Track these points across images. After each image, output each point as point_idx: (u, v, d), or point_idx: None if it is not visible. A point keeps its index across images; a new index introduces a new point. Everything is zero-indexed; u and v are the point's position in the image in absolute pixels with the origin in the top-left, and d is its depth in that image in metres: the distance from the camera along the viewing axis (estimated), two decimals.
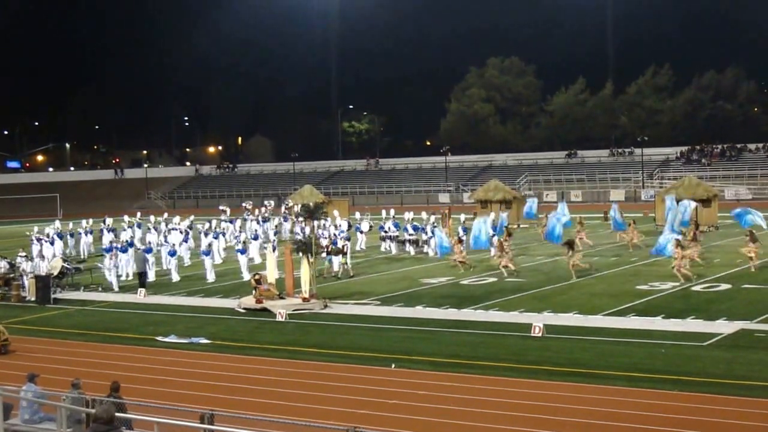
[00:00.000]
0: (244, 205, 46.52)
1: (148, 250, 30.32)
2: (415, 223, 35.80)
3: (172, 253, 30.14)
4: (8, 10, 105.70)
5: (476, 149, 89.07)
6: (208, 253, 29.66)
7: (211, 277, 28.78)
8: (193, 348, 18.74)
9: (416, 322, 20.38)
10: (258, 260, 32.11)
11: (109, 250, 30.26)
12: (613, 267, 28.34)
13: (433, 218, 36.50)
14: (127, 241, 31.57)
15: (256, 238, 33.58)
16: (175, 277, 29.11)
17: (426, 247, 34.17)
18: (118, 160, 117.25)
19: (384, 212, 39.03)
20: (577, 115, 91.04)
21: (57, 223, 40.63)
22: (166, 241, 32.56)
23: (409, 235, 35.00)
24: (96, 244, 39.70)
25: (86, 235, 39.92)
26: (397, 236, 35.37)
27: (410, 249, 34.58)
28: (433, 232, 33.73)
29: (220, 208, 45.64)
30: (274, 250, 25.98)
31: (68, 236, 39.67)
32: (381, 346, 18.02)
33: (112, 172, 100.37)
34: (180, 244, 32.69)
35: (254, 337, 19.59)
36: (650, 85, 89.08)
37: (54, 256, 31.28)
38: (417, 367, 16.18)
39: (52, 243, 37.39)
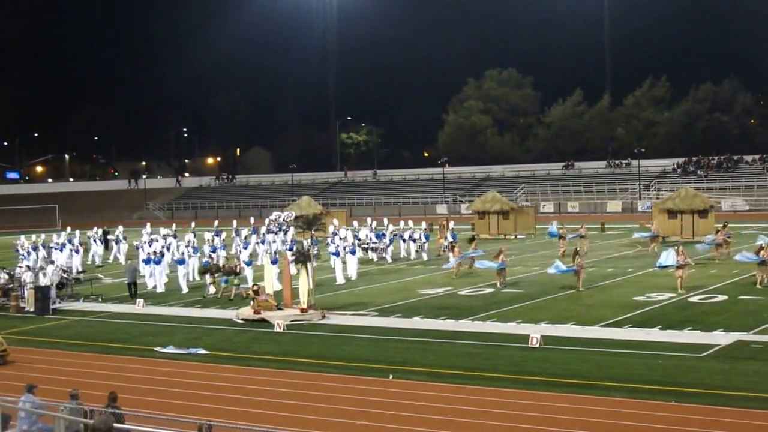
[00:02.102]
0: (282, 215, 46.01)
1: (181, 261, 30.16)
2: (377, 231, 37.04)
3: (206, 262, 29.77)
4: (8, 22, 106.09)
5: (474, 160, 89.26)
6: (249, 263, 29.41)
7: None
8: (191, 359, 18.76)
9: (414, 333, 20.42)
10: (294, 271, 31.95)
11: (147, 261, 30.15)
12: (609, 278, 28.39)
13: (392, 227, 37.74)
14: (160, 252, 31.44)
15: (291, 249, 33.23)
16: (212, 290, 28.57)
17: (384, 254, 35.56)
18: (113, 171, 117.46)
19: (370, 221, 39.64)
20: (575, 126, 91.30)
21: (67, 232, 40.53)
22: (194, 252, 32.38)
23: (372, 242, 35.55)
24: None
25: (80, 246, 39.72)
26: (368, 244, 35.94)
27: (373, 256, 35.64)
28: (391, 240, 35.53)
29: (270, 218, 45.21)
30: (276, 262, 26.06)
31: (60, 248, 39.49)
32: (379, 357, 18.06)
33: (112, 183, 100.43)
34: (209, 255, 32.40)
35: (252, 347, 19.62)
36: (647, 96, 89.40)
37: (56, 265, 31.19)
38: (415, 378, 16.21)
39: (77, 251, 37.50)
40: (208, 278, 28.45)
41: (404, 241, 37.19)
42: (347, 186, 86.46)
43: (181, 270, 29.66)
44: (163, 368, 17.95)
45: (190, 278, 30.82)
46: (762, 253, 25.24)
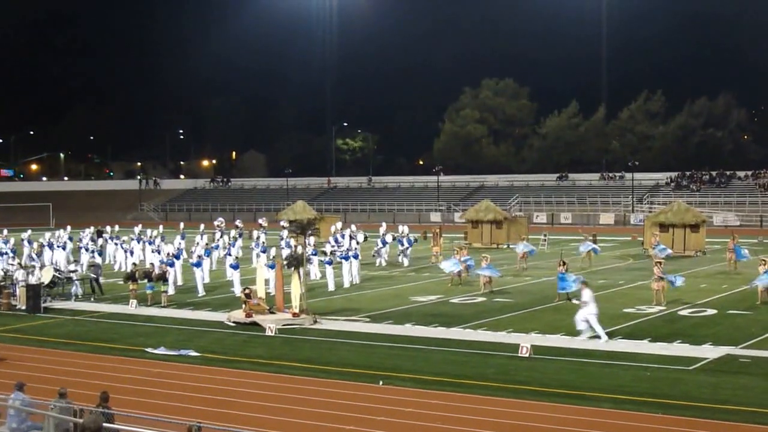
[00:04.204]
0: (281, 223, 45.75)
1: (198, 264, 29.91)
2: (336, 235, 37.04)
3: (236, 264, 29.68)
4: (7, 21, 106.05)
5: (469, 170, 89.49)
6: (273, 266, 29.07)
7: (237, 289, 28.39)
8: (182, 360, 18.78)
9: (405, 340, 20.48)
10: (315, 276, 31.88)
11: (163, 262, 29.59)
12: (600, 290, 28.45)
13: (348, 231, 37.82)
14: (174, 253, 31.17)
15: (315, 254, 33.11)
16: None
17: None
18: (107, 170, 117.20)
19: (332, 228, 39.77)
20: (570, 138, 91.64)
21: (68, 229, 40.46)
22: (206, 254, 32.19)
23: (331, 246, 35.66)
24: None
25: (68, 243, 39.56)
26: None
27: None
28: (350, 245, 35.27)
29: (215, 222, 45.17)
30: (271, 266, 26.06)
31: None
32: (369, 362, 18.11)
33: (107, 183, 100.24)
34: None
35: (243, 350, 19.65)
36: (642, 110, 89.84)
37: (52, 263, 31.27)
38: (404, 384, 16.27)
39: (86, 249, 37.43)
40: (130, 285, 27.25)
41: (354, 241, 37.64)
42: (342, 192, 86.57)
43: (198, 272, 29.54)
44: (154, 369, 17.96)
45: (206, 280, 30.46)
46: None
